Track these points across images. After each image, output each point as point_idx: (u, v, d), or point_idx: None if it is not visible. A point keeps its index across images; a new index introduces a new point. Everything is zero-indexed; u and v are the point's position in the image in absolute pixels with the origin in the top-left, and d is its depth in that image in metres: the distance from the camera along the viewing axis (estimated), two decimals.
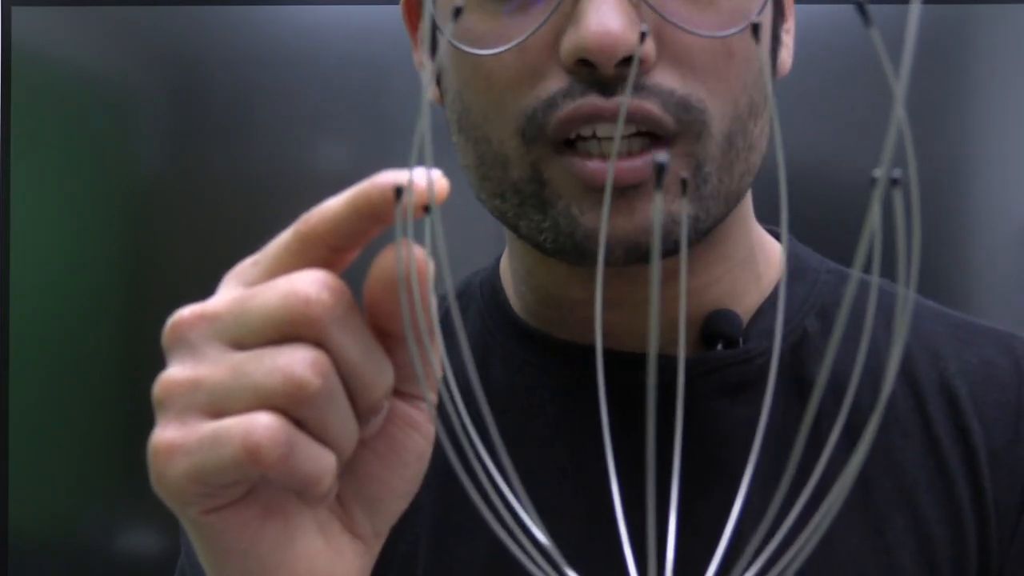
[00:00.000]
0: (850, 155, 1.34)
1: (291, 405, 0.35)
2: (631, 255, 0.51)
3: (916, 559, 0.57)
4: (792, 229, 0.67)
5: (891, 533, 0.57)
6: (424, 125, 0.27)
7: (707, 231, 0.55)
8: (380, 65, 1.40)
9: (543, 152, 0.51)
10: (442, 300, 0.66)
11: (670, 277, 0.58)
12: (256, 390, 0.35)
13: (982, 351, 0.61)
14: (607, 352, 0.58)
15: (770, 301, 0.62)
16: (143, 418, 1.38)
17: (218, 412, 0.36)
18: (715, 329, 0.59)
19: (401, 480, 0.41)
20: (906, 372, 0.60)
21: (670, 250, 0.51)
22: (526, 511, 0.27)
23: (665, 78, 0.50)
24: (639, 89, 0.50)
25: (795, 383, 0.59)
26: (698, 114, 0.51)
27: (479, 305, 0.66)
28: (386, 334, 0.37)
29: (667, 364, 0.58)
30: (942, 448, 0.58)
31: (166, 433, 0.36)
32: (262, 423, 0.34)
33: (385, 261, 0.36)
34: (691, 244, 0.55)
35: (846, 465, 0.26)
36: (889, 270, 0.29)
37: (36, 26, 1.43)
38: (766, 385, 0.58)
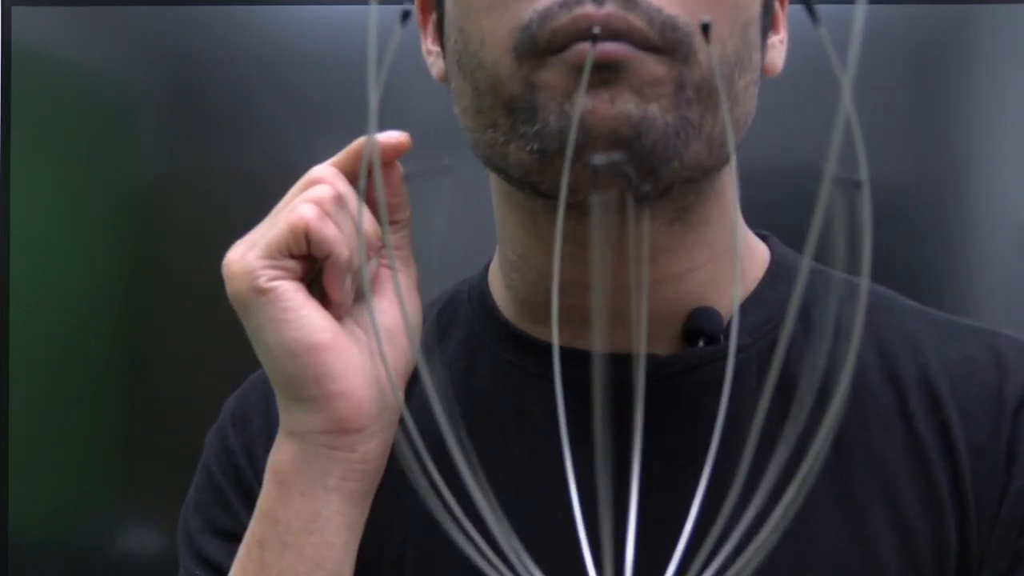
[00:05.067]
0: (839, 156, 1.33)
1: (319, 203, 0.54)
2: (612, 145, 0.50)
3: (897, 551, 0.57)
4: (774, 230, 0.67)
5: (872, 525, 0.57)
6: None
7: (687, 173, 0.53)
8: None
9: (535, 64, 0.52)
10: (430, 308, 0.67)
11: (650, 260, 0.59)
12: (295, 203, 0.55)
13: (963, 347, 0.62)
14: (588, 354, 0.59)
15: (751, 299, 0.62)
16: (143, 418, 1.38)
17: None
18: (696, 326, 0.60)
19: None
20: (887, 367, 0.61)
21: (646, 153, 0.51)
22: (492, 518, 0.27)
23: None
24: (627, 1, 0.50)
25: (776, 380, 0.59)
26: (684, 36, 0.51)
27: (467, 311, 0.66)
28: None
29: (647, 362, 0.59)
30: (923, 442, 0.59)
31: (234, 250, 0.56)
32: (304, 204, 0.54)
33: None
34: (672, 181, 0.53)
35: (819, 461, 0.26)
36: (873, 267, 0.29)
37: (36, 26, 1.43)
38: (748, 381, 0.59)
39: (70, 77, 1.44)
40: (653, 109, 0.51)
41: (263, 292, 0.54)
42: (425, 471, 0.30)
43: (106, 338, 1.46)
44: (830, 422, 0.26)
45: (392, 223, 0.59)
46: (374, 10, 0.29)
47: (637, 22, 0.50)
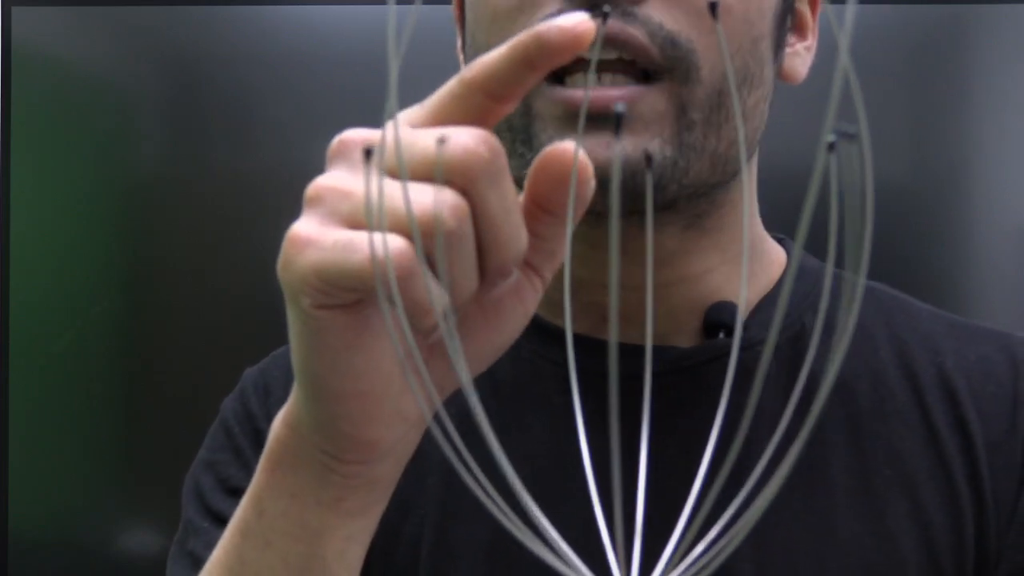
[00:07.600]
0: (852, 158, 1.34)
1: (423, 238, 0.36)
2: (605, 189, 0.50)
3: (917, 544, 0.58)
4: (789, 233, 0.68)
5: (892, 519, 0.59)
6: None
7: (690, 190, 0.54)
8: (380, 65, 1.40)
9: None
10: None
11: (664, 263, 0.60)
12: (397, 215, 0.36)
13: (979, 348, 0.63)
14: (606, 343, 0.60)
15: (769, 297, 0.63)
16: (143, 418, 1.38)
17: (357, 226, 0.38)
18: (716, 319, 0.61)
19: (489, 345, 0.43)
20: (905, 366, 0.62)
21: (643, 198, 0.51)
22: (523, 497, 0.27)
23: (656, 11, 0.52)
24: (627, 15, 0.51)
25: (793, 375, 0.60)
26: (686, 53, 0.51)
27: None
28: (538, 206, 0.39)
29: (668, 353, 0.60)
30: (941, 438, 0.60)
31: (306, 227, 0.38)
32: (394, 243, 0.36)
33: (559, 148, 0.38)
34: (674, 198, 0.54)
35: (797, 452, 0.26)
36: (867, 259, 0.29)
37: (36, 26, 1.43)
38: (768, 373, 0.60)
39: (70, 77, 1.44)
40: (653, 145, 0.52)
41: (303, 312, 0.40)
42: (457, 452, 0.30)
43: (106, 338, 1.46)
44: (813, 417, 0.26)
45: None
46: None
47: (637, 34, 0.51)
